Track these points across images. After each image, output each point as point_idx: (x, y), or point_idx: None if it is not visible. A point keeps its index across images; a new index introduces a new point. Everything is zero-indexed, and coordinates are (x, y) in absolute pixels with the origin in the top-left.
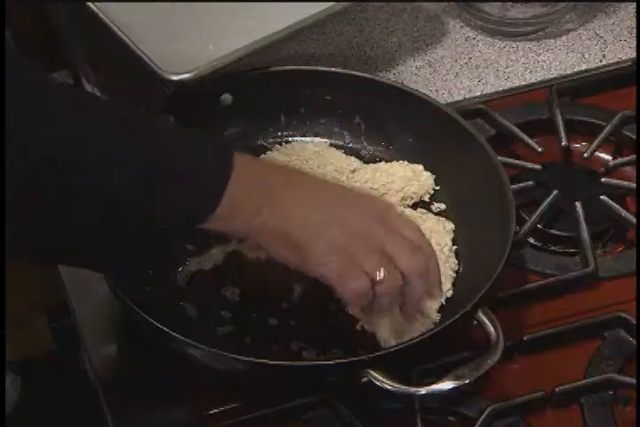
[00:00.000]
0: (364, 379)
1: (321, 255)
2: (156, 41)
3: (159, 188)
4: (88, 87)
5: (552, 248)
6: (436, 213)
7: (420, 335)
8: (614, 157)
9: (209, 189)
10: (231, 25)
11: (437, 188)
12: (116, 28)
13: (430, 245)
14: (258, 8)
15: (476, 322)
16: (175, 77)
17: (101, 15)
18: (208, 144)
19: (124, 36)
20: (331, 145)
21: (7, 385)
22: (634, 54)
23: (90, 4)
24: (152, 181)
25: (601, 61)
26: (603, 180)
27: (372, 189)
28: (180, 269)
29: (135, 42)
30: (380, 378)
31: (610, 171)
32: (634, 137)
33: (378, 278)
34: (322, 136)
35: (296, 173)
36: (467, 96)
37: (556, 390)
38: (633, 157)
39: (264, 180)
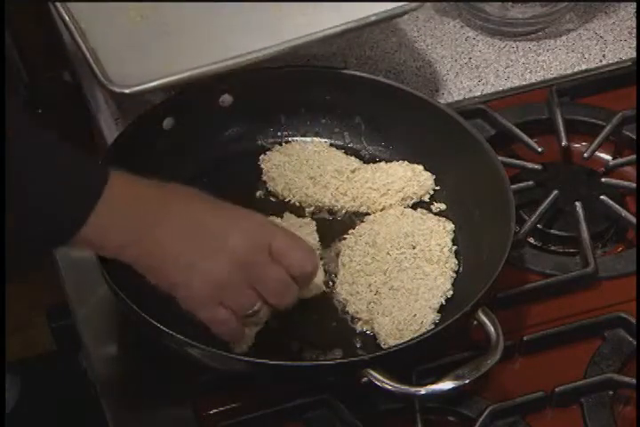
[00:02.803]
0: (364, 379)
1: (193, 296)
2: (117, 51)
3: (31, 200)
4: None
5: (552, 248)
6: (435, 213)
7: (420, 335)
8: (614, 157)
9: (78, 206)
10: (196, 44)
11: (437, 188)
12: (75, 31)
13: (312, 252)
14: (223, 32)
15: (476, 322)
16: (117, 89)
17: (67, 18)
18: (86, 165)
19: (80, 39)
20: (331, 145)
21: (7, 385)
22: (634, 54)
23: (58, 5)
24: (24, 193)
25: (601, 61)
26: (603, 180)
27: (371, 189)
28: None
29: (93, 47)
30: (380, 378)
31: (610, 171)
32: (634, 137)
33: (243, 314)
34: (322, 136)
35: (171, 201)
36: (467, 96)
37: (556, 390)
38: (633, 157)
39: (136, 208)
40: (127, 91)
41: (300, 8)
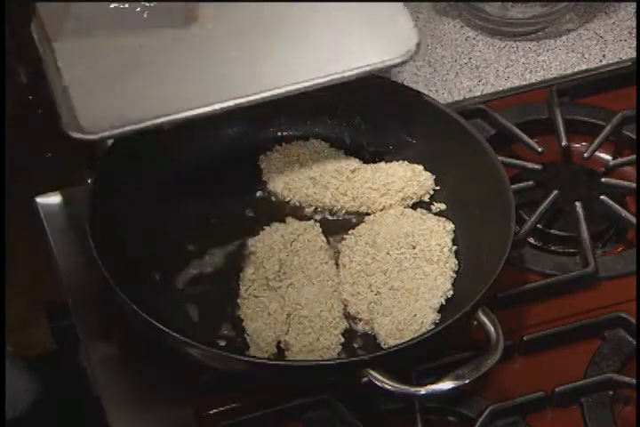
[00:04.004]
0: (364, 379)
1: None
2: (90, 92)
3: None
4: None
5: (552, 248)
6: (435, 214)
7: (420, 335)
8: (614, 157)
9: None
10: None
11: (437, 188)
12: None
13: None
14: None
15: (476, 322)
16: (75, 135)
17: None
18: None
19: (55, 76)
20: (331, 145)
21: (25, 387)
22: (634, 54)
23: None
24: None
25: (601, 61)
26: (603, 180)
27: (371, 189)
28: (181, 270)
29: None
30: (380, 378)
31: (610, 171)
32: (634, 137)
33: None
34: (322, 136)
35: None
36: (467, 96)
37: (556, 390)
38: (633, 157)
39: None
40: (88, 137)
41: (279, 58)
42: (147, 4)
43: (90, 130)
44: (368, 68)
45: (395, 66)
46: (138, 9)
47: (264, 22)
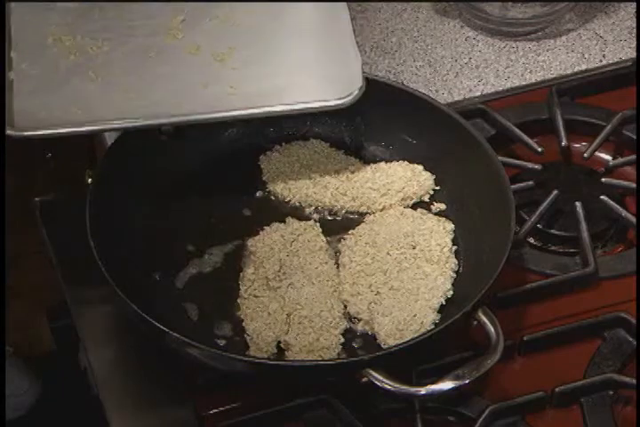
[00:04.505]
0: (364, 379)
1: None
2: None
3: None
4: None
5: (552, 248)
6: (435, 214)
7: (420, 335)
8: (614, 157)
9: None
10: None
11: (437, 188)
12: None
13: None
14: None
15: (475, 322)
16: (10, 132)
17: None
18: None
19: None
20: (331, 145)
21: (26, 387)
22: (634, 54)
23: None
24: None
25: (601, 61)
26: (603, 180)
27: (371, 189)
28: (180, 270)
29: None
30: (380, 378)
31: (610, 171)
32: (634, 137)
33: None
34: (322, 136)
35: None
36: (467, 96)
37: (556, 390)
38: (633, 157)
39: None
40: (16, 133)
41: (228, 80)
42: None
43: (19, 127)
44: (307, 106)
45: (334, 108)
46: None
47: (227, 36)
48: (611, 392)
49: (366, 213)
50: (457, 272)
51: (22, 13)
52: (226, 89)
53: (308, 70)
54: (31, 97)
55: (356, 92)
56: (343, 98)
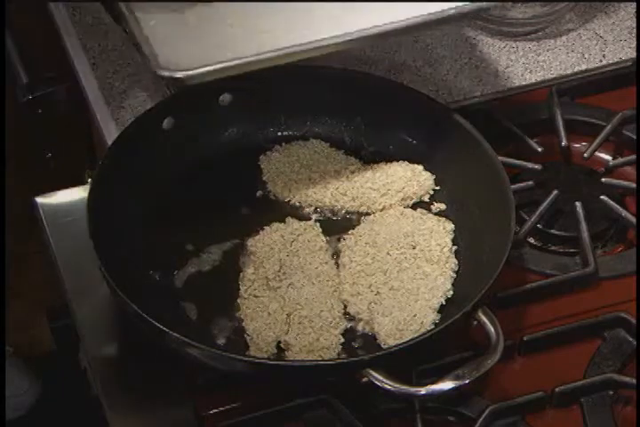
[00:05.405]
0: (364, 379)
1: None
2: (169, 37)
3: None
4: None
5: (552, 248)
6: (435, 214)
7: (420, 335)
8: (614, 157)
9: None
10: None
11: (437, 188)
12: (132, 20)
13: None
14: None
15: (476, 322)
16: (167, 73)
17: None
18: None
19: (135, 27)
20: (331, 145)
21: (26, 387)
22: (634, 54)
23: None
24: None
25: (601, 61)
26: (603, 180)
27: (371, 189)
28: (180, 269)
29: (146, 35)
30: (380, 378)
31: (610, 171)
32: (634, 137)
33: None
34: (322, 136)
35: None
36: (467, 96)
37: (556, 390)
38: (633, 157)
39: None
40: (180, 75)
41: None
42: None
43: (183, 67)
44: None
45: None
46: None
47: None
48: (611, 392)
49: (366, 213)
50: (457, 272)
51: None
52: (363, 12)
53: None
54: (172, 46)
55: None
56: None
